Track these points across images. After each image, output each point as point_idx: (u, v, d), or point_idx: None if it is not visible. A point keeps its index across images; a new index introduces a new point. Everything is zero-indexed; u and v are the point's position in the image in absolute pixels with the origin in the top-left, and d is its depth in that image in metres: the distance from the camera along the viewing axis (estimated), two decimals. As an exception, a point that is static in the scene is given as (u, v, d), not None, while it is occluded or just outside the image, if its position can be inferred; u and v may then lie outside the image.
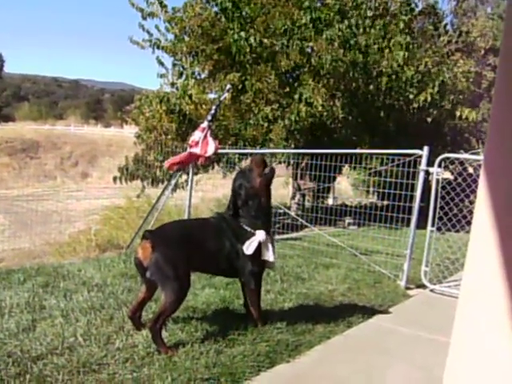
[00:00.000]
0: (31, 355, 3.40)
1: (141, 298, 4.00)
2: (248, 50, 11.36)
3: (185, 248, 3.85)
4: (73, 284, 5.25)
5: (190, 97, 11.90)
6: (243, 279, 4.24)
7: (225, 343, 3.79)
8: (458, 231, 6.75)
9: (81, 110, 73.57)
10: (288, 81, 12.39)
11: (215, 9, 12.42)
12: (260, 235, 4.09)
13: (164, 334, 3.77)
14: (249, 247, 4.04)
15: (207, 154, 7.01)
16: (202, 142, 6.95)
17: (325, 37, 11.05)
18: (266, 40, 11.49)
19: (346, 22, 11.12)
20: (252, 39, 11.21)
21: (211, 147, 6.98)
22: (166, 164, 7.48)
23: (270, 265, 4.34)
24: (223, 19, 12.09)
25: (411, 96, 12.17)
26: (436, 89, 11.80)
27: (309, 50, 11.42)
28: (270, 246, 4.19)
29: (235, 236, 4.13)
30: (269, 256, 4.17)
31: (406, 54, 11.42)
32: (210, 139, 6.99)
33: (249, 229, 4.14)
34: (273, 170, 4.30)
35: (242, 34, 11.26)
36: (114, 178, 13.16)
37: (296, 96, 11.39)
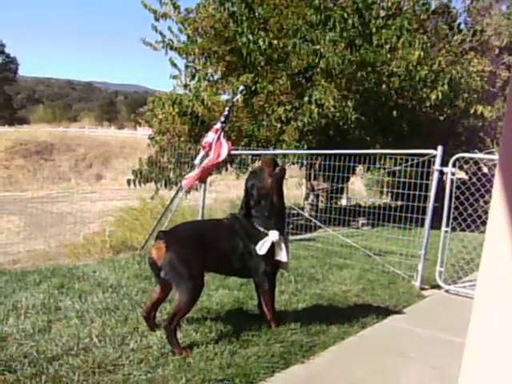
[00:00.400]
0: (47, 356, 3.42)
1: (155, 298, 4.02)
2: (258, 52, 11.36)
3: (198, 248, 3.86)
4: (88, 285, 5.28)
5: (203, 101, 11.90)
6: (257, 280, 4.24)
7: (239, 344, 3.80)
8: (472, 231, 6.70)
9: (94, 112, 74.04)
10: (300, 82, 12.37)
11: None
12: (273, 235, 4.09)
13: (178, 334, 3.77)
14: (262, 247, 4.04)
15: (221, 159, 6.98)
16: (215, 144, 6.95)
17: (328, 38, 11.02)
18: (275, 41, 11.47)
19: (350, 21, 11.05)
20: (261, 41, 11.20)
21: (224, 149, 6.97)
22: (186, 187, 7.50)
23: (283, 265, 4.33)
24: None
25: (424, 95, 12.12)
26: (446, 86, 11.73)
27: (318, 54, 11.38)
28: (283, 246, 4.18)
29: (248, 236, 4.13)
30: (282, 256, 4.16)
31: (422, 53, 11.35)
32: (223, 141, 6.98)
33: (262, 229, 4.14)
34: (283, 170, 4.30)
35: (251, 37, 11.25)
36: (128, 181, 13.18)
37: (306, 98, 11.38)
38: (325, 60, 11.06)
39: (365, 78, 11.78)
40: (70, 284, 5.30)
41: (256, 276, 4.21)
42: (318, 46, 11.18)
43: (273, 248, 4.12)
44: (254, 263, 4.13)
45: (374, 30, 11.60)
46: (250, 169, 12.95)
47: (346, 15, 11.08)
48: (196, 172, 7.00)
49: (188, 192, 9.45)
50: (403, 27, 11.54)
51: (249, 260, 4.12)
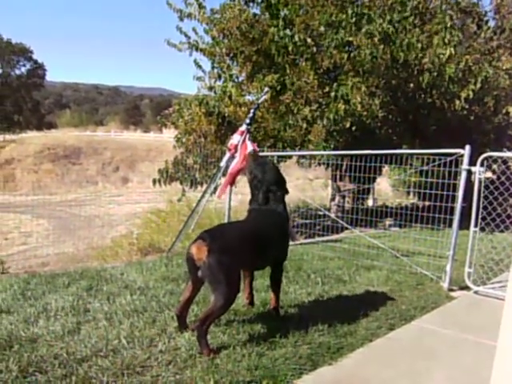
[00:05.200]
0: (76, 357, 3.46)
1: (187, 295, 4.00)
2: (290, 48, 11.32)
3: (240, 255, 3.89)
4: (116, 287, 5.33)
5: (230, 97, 11.91)
6: (281, 264, 4.54)
7: (266, 346, 3.79)
8: (502, 231, 6.61)
9: (120, 115, 74.77)
10: (327, 81, 12.32)
11: (254, 10, 12.44)
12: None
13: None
14: (294, 235, 4.25)
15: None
16: (240, 146, 6.98)
17: (364, 30, 10.96)
18: (309, 39, 11.44)
19: (389, 16, 10.99)
20: (296, 37, 11.20)
21: (250, 151, 6.99)
22: (219, 197, 7.78)
23: None
24: (263, 20, 12.13)
25: (455, 92, 11.96)
26: (478, 85, 11.55)
27: (349, 47, 11.30)
28: None
29: (286, 225, 4.47)
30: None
31: (453, 51, 11.21)
32: (248, 143, 7.01)
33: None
34: None
35: (288, 31, 11.24)
36: (154, 181, 13.30)
37: (333, 94, 11.31)
38: (356, 53, 10.99)
39: (394, 75, 11.67)
40: (98, 286, 5.35)
41: (281, 261, 4.52)
42: (351, 38, 11.12)
43: None
44: (283, 250, 4.47)
45: (407, 26, 11.44)
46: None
47: (373, 14, 11.02)
48: (226, 181, 7.11)
49: (214, 193, 9.51)
50: (442, 23, 11.42)
51: (281, 249, 4.46)
